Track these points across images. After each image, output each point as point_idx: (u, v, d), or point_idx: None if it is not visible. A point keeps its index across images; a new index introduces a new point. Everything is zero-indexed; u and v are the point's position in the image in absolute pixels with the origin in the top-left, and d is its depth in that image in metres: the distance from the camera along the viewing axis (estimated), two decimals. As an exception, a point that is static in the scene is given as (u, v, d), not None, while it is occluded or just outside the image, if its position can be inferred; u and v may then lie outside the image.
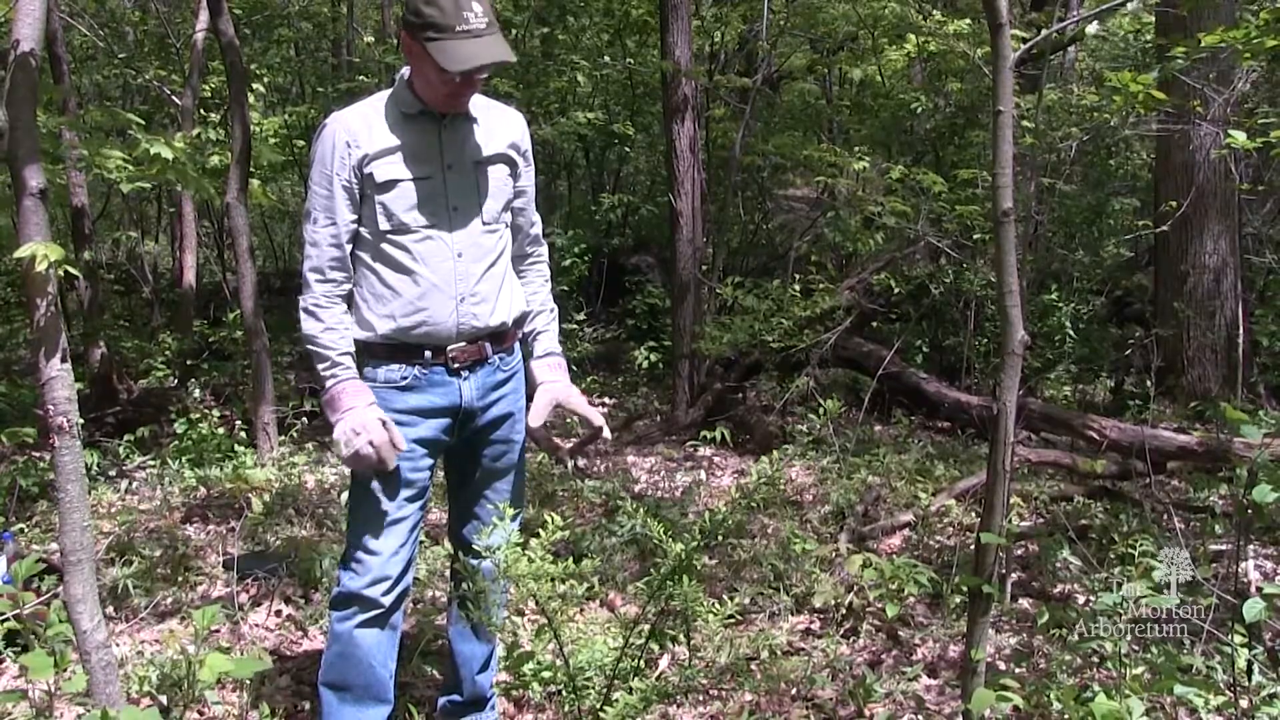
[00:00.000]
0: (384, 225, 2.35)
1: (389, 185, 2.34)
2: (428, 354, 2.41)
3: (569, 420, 6.66)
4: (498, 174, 2.47)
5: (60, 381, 2.13)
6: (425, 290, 2.37)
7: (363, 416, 2.30)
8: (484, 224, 2.44)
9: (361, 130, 2.34)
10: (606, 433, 2.54)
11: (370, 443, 2.28)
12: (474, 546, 2.34)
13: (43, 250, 2.06)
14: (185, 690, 2.85)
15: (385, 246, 2.36)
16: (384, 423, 2.32)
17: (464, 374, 2.45)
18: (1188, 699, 2.50)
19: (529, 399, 2.58)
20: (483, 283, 2.43)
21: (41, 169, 2.14)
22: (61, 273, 2.16)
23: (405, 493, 2.43)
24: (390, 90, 2.42)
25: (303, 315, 2.39)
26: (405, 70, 2.40)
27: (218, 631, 3.39)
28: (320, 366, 2.37)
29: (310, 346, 2.39)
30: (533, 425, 2.51)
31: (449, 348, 2.42)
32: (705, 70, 8.35)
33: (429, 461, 2.48)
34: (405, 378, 2.41)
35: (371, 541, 2.41)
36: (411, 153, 2.36)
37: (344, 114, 2.39)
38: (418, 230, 2.36)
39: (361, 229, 2.38)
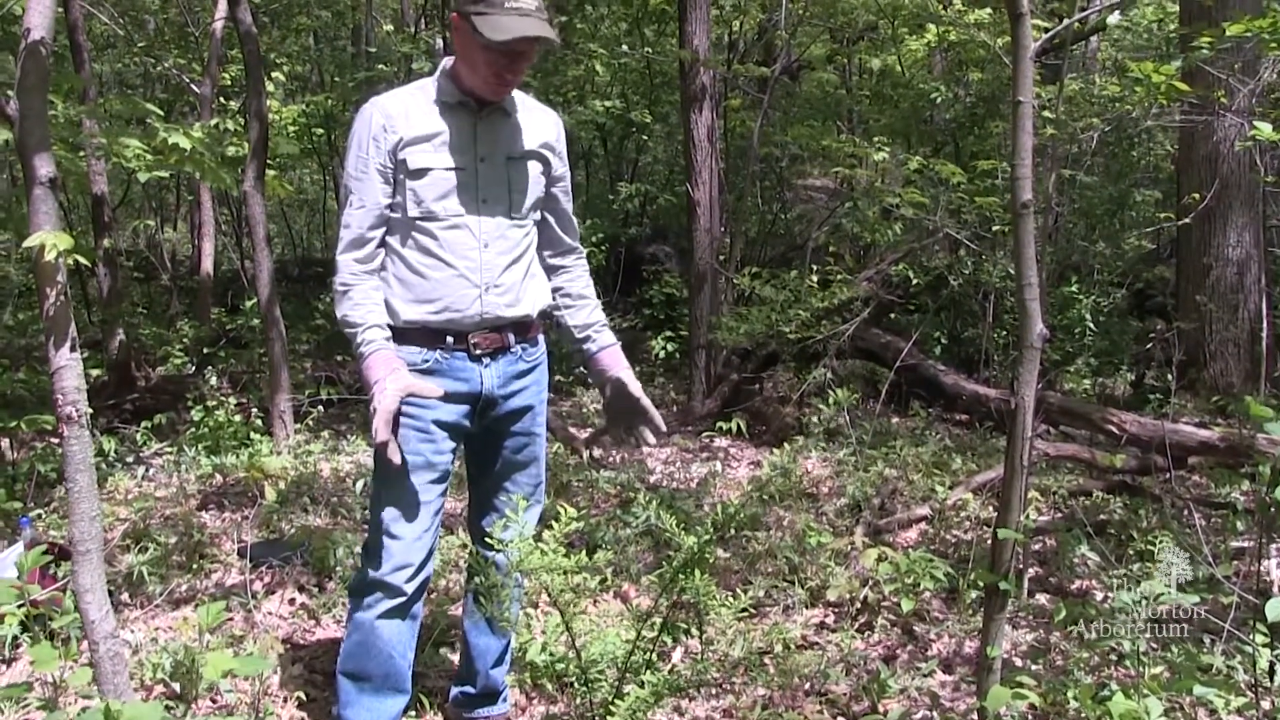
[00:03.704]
0: (413, 211, 2.36)
1: (421, 172, 2.35)
2: (450, 339, 2.42)
3: (585, 410, 6.68)
4: (530, 170, 2.48)
5: (70, 370, 2.12)
6: (450, 277, 2.38)
7: (382, 387, 2.27)
8: (512, 217, 2.45)
9: (399, 115, 2.35)
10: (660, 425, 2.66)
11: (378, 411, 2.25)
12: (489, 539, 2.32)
13: (51, 239, 2.05)
14: (197, 679, 2.86)
15: (413, 233, 2.38)
16: (398, 391, 2.27)
17: (485, 361, 2.46)
18: (1207, 699, 2.46)
19: (601, 385, 2.68)
20: (507, 274, 2.44)
21: (52, 157, 2.13)
22: (71, 261, 2.15)
23: (428, 476, 2.43)
24: (430, 78, 2.45)
25: (335, 295, 2.40)
26: (447, 61, 2.43)
27: (231, 619, 3.40)
28: (353, 343, 2.37)
29: (343, 326, 2.39)
30: (643, 400, 2.62)
31: (471, 335, 2.43)
32: (724, 59, 8.32)
33: (451, 445, 2.48)
34: (426, 360, 2.41)
35: (394, 526, 2.41)
36: (446, 142, 2.37)
37: (383, 98, 2.41)
38: (446, 219, 2.37)
39: (391, 214, 2.39)
